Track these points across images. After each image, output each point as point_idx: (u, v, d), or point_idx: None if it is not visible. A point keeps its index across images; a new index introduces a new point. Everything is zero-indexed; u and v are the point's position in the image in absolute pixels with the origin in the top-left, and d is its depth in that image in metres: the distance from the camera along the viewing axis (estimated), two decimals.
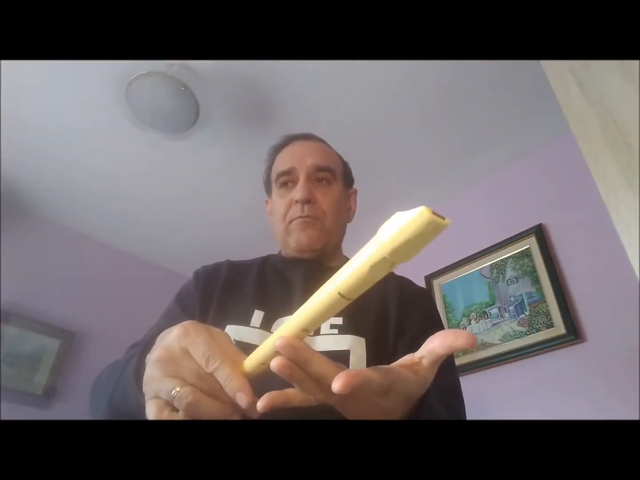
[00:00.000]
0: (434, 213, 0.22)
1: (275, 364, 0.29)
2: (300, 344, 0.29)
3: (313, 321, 0.29)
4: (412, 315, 0.67)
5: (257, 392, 0.33)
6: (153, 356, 0.37)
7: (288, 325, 0.31)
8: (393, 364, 0.35)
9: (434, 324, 0.70)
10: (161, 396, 0.35)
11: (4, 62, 1.44)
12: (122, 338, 1.09)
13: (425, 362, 0.33)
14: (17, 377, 1.86)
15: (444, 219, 0.23)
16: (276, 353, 0.29)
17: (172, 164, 1.89)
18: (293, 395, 0.32)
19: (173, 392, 0.34)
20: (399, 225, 0.23)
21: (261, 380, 0.35)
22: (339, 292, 0.27)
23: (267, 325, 0.64)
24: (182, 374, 0.35)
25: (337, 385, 0.27)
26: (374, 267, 0.25)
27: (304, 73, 1.51)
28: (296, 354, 0.29)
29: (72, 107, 1.63)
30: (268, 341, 0.33)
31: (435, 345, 0.32)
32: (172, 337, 0.37)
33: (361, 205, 0.90)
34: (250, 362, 0.35)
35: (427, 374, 0.34)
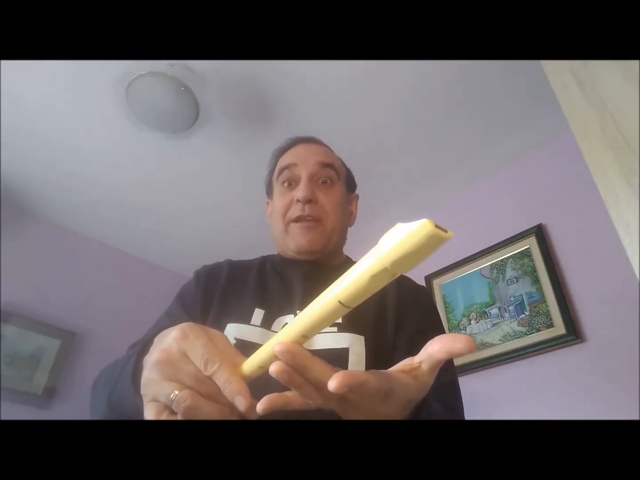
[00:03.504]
0: (436, 226, 0.22)
1: (274, 369, 0.29)
2: (300, 350, 0.29)
3: (313, 327, 0.30)
4: (410, 313, 0.67)
5: (258, 393, 0.33)
6: (151, 358, 0.37)
7: (288, 331, 0.31)
8: (392, 369, 0.35)
9: (432, 321, 0.70)
10: (159, 399, 0.35)
11: (4, 63, 1.44)
12: (122, 338, 1.09)
13: (424, 366, 0.33)
14: (17, 377, 1.86)
15: (446, 231, 0.23)
16: (275, 357, 0.29)
17: (172, 163, 1.89)
18: (293, 398, 0.32)
19: (172, 395, 0.34)
20: (401, 237, 0.23)
21: (262, 382, 0.35)
22: (339, 301, 0.27)
23: (267, 324, 0.64)
24: (180, 377, 0.35)
25: (333, 384, 0.27)
26: (375, 278, 0.25)
27: (304, 73, 1.51)
28: (295, 359, 0.29)
29: (72, 107, 1.63)
30: (267, 345, 0.33)
31: (434, 349, 0.32)
32: (170, 339, 0.37)
33: (362, 208, 0.90)
34: (249, 365, 0.35)
35: (427, 378, 0.34)
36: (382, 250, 0.24)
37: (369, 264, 0.25)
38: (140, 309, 2.18)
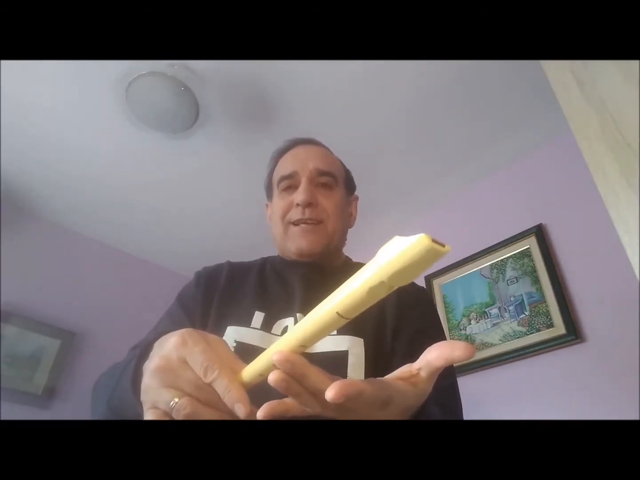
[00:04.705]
0: (433, 240, 0.23)
1: (273, 378, 0.29)
2: (298, 359, 0.30)
3: (311, 338, 0.30)
4: (409, 315, 0.67)
5: (257, 400, 0.33)
6: (151, 365, 0.37)
7: (286, 340, 0.31)
8: (390, 376, 0.35)
9: (432, 322, 0.70)
10: (159, 407, 0.35)
11: (4, 63, 1.44)
12: (122, 338, 1.09)
13: (423, 374, 0.33)
14: (17, 377, 1.86)
15: (443, 245, 0.23)
16: (274, 366, 0.30)
17: (172, 163, 1.89)
18: (292, 406, 0.32)
19: (171, 402, 0.34)
20: (398, 251, 0.24)
21: (261, 389, 0.35)
22: (337, 312, 0.27)
23: (267, 327, 0.64)
24: (180, 384, 0.35)
25: (330, 394, 0.27)
26: (372, 290, 0.25)
27: (304, 73, 1.51)
28: (293, 368, 0.29)
29: (72, 107, 1.63)
30: (266, 353, 0.33)
31: (432, 356, 0.32)
32: (169, 346, 0.37)
33: (362, 208, 0.90)
34: (249, 372, 0.35)
35: (425, 386, 0.34)
36: (379, 264, 0.25)
37: (367, 277, 0.25)
38: (140, 309, 2.18)
